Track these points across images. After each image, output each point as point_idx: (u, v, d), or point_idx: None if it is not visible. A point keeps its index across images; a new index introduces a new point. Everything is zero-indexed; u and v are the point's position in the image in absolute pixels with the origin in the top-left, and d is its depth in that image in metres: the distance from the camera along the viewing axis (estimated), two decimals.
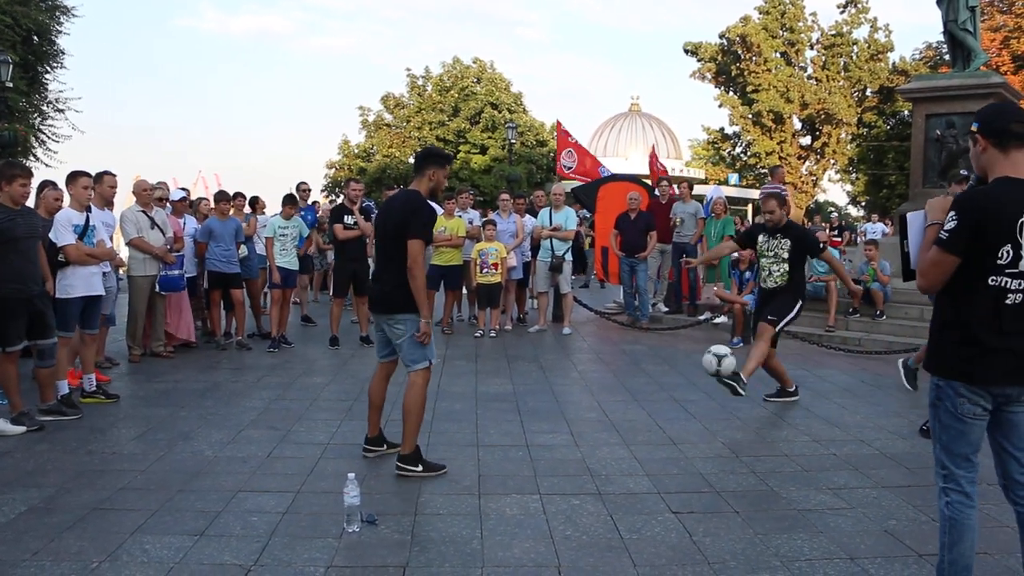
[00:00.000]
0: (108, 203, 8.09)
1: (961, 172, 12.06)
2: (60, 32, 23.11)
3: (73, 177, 7.06)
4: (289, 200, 10.38)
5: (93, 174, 7.39)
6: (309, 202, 13.71)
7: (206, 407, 6.88)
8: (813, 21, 44.53)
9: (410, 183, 5.36)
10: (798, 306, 7.20)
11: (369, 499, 4.51)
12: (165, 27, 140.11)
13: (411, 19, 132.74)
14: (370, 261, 11.26)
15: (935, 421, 3.37)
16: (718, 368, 6.38)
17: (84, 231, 6.98)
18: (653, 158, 17.04)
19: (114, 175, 7.96)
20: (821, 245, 7.28)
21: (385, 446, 5.48)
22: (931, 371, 3.35)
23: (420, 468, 5.07)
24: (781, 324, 7.11)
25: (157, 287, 9.01)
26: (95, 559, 3.80)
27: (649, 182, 14.46)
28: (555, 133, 17.56)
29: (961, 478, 3.31)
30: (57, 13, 22.73)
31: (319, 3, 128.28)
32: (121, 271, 9.09)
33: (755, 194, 46.08)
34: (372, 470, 5.19)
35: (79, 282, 6.81)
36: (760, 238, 7.36)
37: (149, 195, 8.99)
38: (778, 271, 7.18)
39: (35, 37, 22.32)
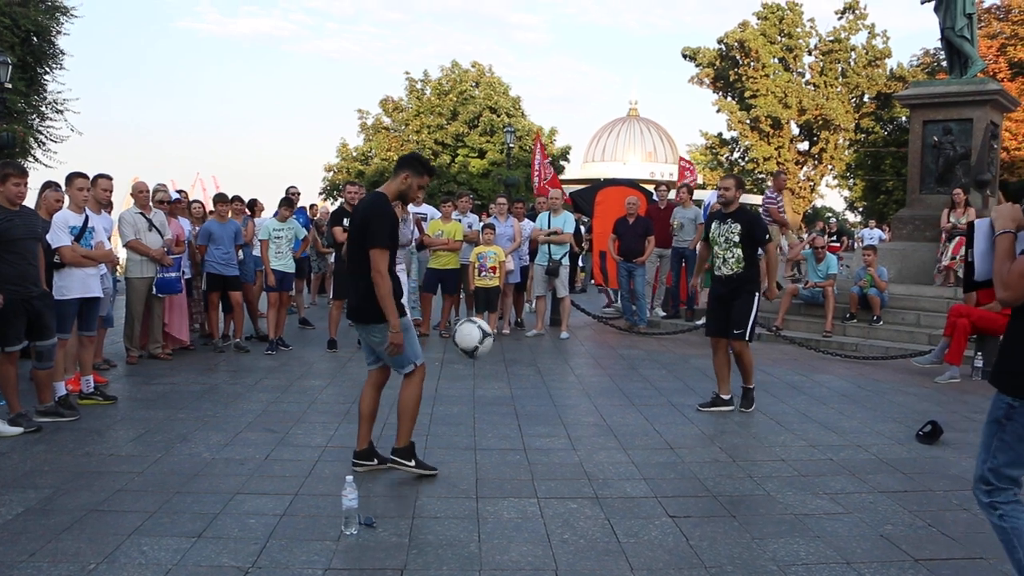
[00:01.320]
0: (105, 206, 8.08)
1: (985, 176, 12.12)
2: (59, 32, 23.07)
3: (70, 179, 7.09)
4: (285, 203, 10.39)
5: (91, 176, 7.40)
6: (302, 205, 13.79)
7: (204, 409, 6.88)
8: (811, 27, 44.74)
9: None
10: (756, 301, 7.07)
11: (367, 502, 4.51)
12: (165, 29, 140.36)
13: (410, 22, 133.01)
14: None
15: (997, 439, 3.20)
16: (477, 346, 5.38)
17: (82, 232, 7.01)
18: (687, 170, 17.26)
19: (110, 178, 7.95)
20: (767, 236, 7.17)
21: (375, 461, 5.21)
22: (1006, 390, 3.16)
23: (412, 463, 5.07)
24: (748, 332, 7.05)
25: (154, 289, 9.01)
26: (92, 561, 3.80)
27: (652, 188, 14.48)
28: (538, 142, 17.77)
29: (1009, 490, 3.22)
30: (57, 14, 22.68)
31: (319, 5, 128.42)
32: (118, 273, 9.09)
33: (753, 199, 46.28)
34: (370, 473, 5.19)
35: (75, 284, 6.83)
36: (712, 226, 7.25)
37: (147, 197, 8.99)
38: (732, 257, 7.02)
39: (34, 38, 22.29)
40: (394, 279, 4.92)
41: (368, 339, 5.11)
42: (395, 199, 5.09)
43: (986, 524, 4.43)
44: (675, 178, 17.48)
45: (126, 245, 8.83)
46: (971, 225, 3.23)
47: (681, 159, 18.61)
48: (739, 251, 7.03)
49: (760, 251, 7.19)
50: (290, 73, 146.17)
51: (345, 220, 10.04)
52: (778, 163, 43.88)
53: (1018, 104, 18.05)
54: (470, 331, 5.42)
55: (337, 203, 18.35)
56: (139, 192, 8.98)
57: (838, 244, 19.95)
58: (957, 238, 11.44)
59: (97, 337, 7.81)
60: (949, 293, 11.29)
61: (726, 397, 7.20)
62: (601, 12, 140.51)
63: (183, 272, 9.59)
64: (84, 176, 7.17)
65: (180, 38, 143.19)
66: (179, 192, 11.31)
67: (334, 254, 10.87)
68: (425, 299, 11.32)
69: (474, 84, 41.48)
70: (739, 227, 7.03)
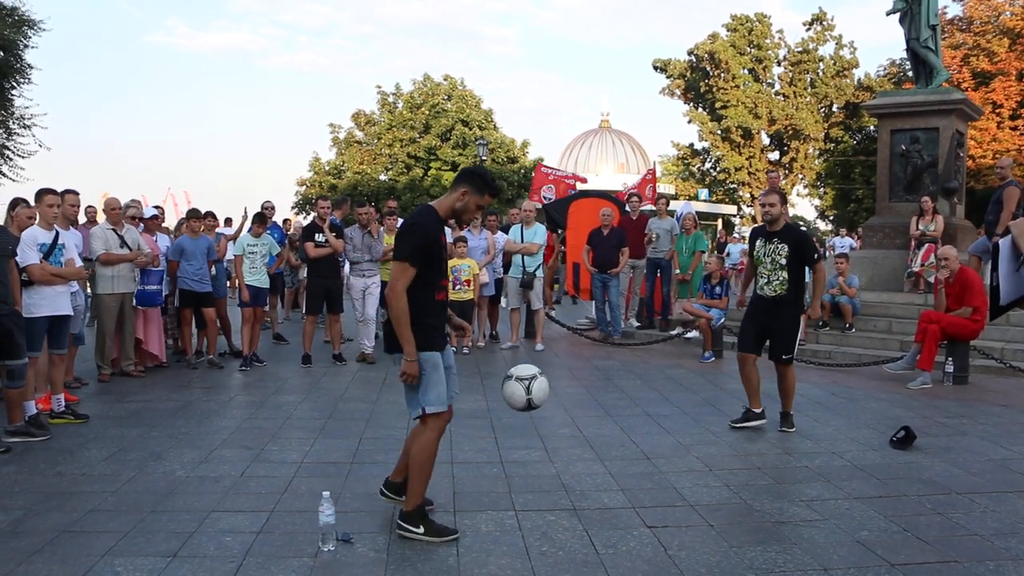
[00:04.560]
0: (72, 222, 7.99)
1: (952, 184, 12.30)
2: (27, 46, 22.78)
3: (40, 195, 7.02)
4: (258, 218, 10.34)
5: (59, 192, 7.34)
6: (275, 220, 13.70)
7: (177, 427, 6.81)
8: (780, 38, 45.33)
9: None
10: (800, 323, 7.00)
11: (344, 517, 4.48)
12: (134, 44, 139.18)
13: (382, 36, 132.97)
14: (344, 278, 11.23)
15: None
16: (528, 397, 4.74)
17: (51, 249, 6.93)
18: (652, 180, 17.29)
19: (76, 193, 7.89)
20: (816, 256, 6.77)
21: (403, 496, 4.54)
22: None
23: (421, 530, 4.30)
24: (795, 353, 6.98)
25: (134, 301, 8.95)
26: None
27: (624, 199, 14.55)
28: (538, 163, 17.60)
29: None
30: (24, 27, 22.39)
31: (290, 20, 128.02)
32: (87, 289, 8.99)
33: (725, 209, 46.65)
34: (347, 488, 5.16)
35: (44, 301, 6.76)
36: (757, 244, 6.90)
37: (119, 214, 8.91)
38: (777, 279, 6.68)
39: (0, 51, 22.00)
40: (435, 303, 4.33)
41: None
42: (448, 216, 4.45)
43: (958, 528, 4.50)
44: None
45: (97, 259, 8.73)
46: (996, 247, 3.02)
47: (650, 171, 18.69)
48: (785, 274, 6.68)
49: (808, 270, 6.86)
50: (261, 87, 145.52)
51: (317, 235, 10.01)
52: (749, 173, 44.29)
53: (982, 113, 18.38)
54: (512, 391, 4.72)
55: (309, 218, 18.24)
56: (111, 208, 8.90)
57: None
58: (926, 245, 11.61)
59: (68, 355, 7.70)
60: (919, 300, 11.44)
61: (758, 411, 6.98)
62: (573, 25, 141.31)
63: (162, 288, 9.54)
64: (54, 192, 7.11)
65: (150, 52, 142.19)
66: (156, 208, 11.23)
67: (307, 269, 10.79)
68: None
69: (446, 97, 41.50)
70: (786, 248, 6.66)
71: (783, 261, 6.67)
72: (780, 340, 6.84)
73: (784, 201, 6.90)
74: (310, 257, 10.11)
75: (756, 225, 7.24)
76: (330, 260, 10.14)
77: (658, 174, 52.27)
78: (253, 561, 4.01)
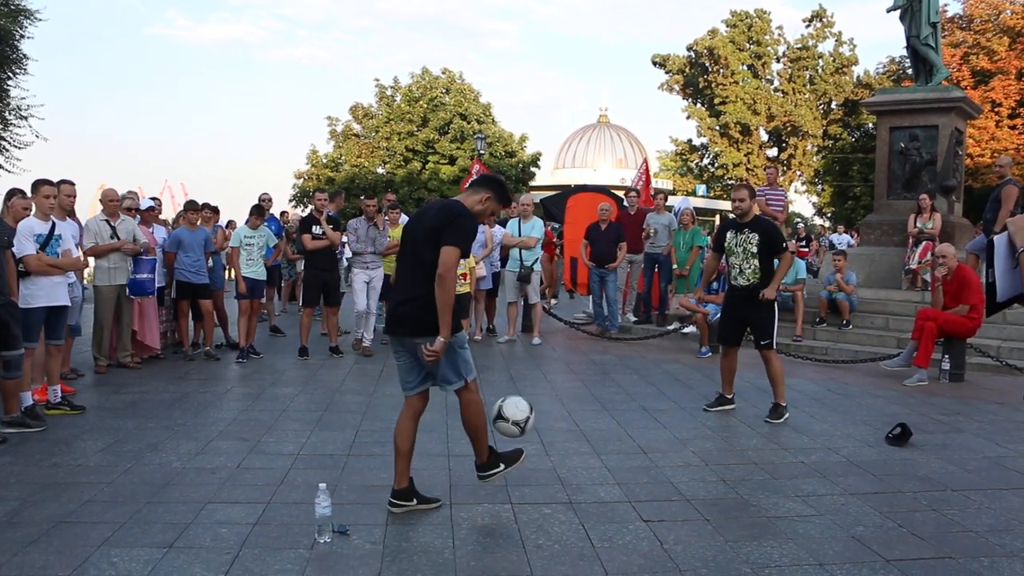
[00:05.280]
0: (69, 212, 7.95)
1: (951, 182, 12.30)
2: (23, 36, 22.65)
3: (36, 186, 6.98)
4: (256, 210, 10.32)
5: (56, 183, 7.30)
6: (273, 213, 13.68)
7: (174, 418, 6.81)
8: (779, 35, 45.28)
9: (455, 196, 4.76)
10: (776, 309, 7.13)
11: (340, 509, 4.48)
12: (134, 35, 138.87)
13: (381, 29, 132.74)
14: (345, 270, 11.20)
15: None
16: (523, 433, 4.84)
17: (48, 240, 6.90)
18: (646, 173, 17.28)
19: (72, 183, 7.81)
20: (784, 246, 7.08)
21: (415, 500, 4.64)
22: None
23: (501, 467, 4.72)
24: (774, 341, 7.10)
25: (127, 291, 8.94)
26: (61, 574, 3.74)
27: (622, 193, 14.56)
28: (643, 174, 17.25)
29: None
30: (20, 17, 22.26)
31: (290, 12, 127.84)
32: (86, 280, 8.97)
33: (723, 205, 46.65)
34: (343, 480, 5.16)
35: (41, 292, 6.72)
36: (728, 235, 7.22)
37: (116, 206, 8.88)
38: (749, 268, 7.01)
39: None
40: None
41: (417, 355, 4.51)
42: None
43: (953, 524, 4.51)
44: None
45: (86, 253, 8.70)
46: (991, 243, 2.99)
47: (644, 160, 18.65)
48: (756, 262, 6.99)
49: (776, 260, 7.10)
50: (260, 79, 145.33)
51: (314, 227, 9.99)
52: (747, 169, 44.29)
53: (981, 111, 18.36)
54: (506, 430, 4.83)
55: (307, 211, 18.22)
56: (108, 200, 8.86)
57: (807, 249, 20.12)
58: (924, 243, 11.61)
59: (65, 346, 7.69)
60: (916, 297, 11.44)
61: (729, 396, 7.43)
62: (573, 20, 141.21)
63: (155, 278, 9.50)
64: (50, 183, 7.06)
65: (149, 44, 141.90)
66: (153, 200, 11.20)
67: (303, 261, 10.76)
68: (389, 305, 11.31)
69: (445, 91, 41.44)
70: (757, 237, 6.98)
71: (754, 250, 7.00)
72: (757, 328, 7.12)
73: (753, 196, 7.30)
74: (307, 249, 10.09)
75: (728, 219, 7.48)
76: (327, 252, 10.12)
77: (656, 169, 52.56)
78: (249, 552, 4.01)
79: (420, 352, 4.45)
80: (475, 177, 11.14)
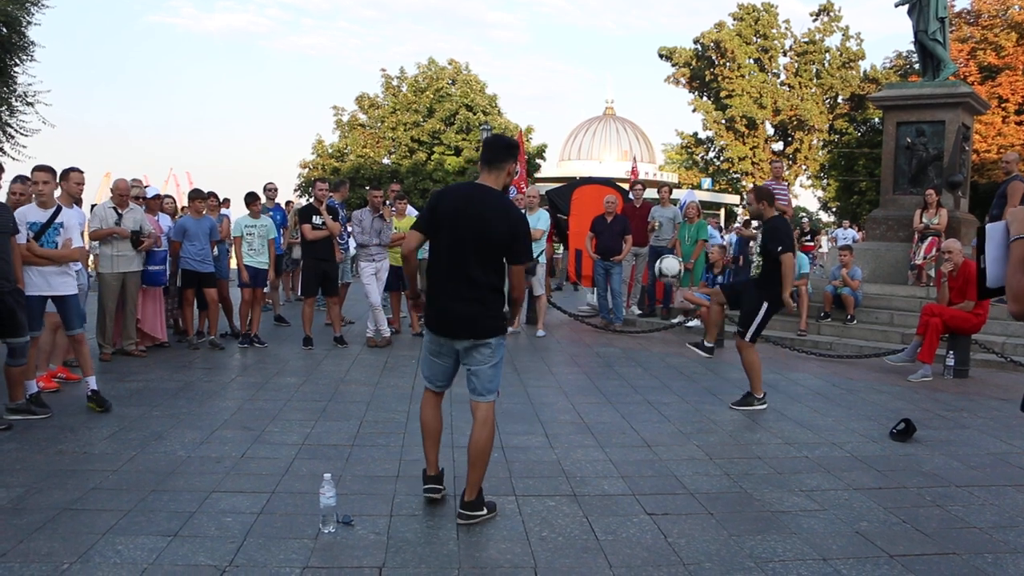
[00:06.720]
0: (76, 200, 7.90)
1: (957, 177, 12.27)
2: (30, 23, 22.61)
3: (32, 172, 6.89)
4: (252, 198, 10.29)
5: (58, 170, 7.18)
6: (278, 202, 13.71)
7: (179, 407, 6.82)
8: (786, 28, 45.16)
9: (478, 177, 4.51)
10: (764, 305, 7.12)
11: (345, 500, 4.49)
12: (139, 23, 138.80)
13: (387, 20, 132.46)
14: (344, 263, 11.15)
15: None
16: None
17: (44, 229, 6.74)
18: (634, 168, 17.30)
19: (81, 171, 7.67)
20: (779, 248, 6.97)
21: (485, 510, 4.47)
22: None
23: (484, 512, 4.41)
24: (750, 332, 7.17)
25: (142, 283, 8.98)
26: (66, 561, 3.75)
27: (627, 186, 14.53)
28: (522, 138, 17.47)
29: None
30: (27, 3, 22.22)
31: (295, 2, 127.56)
32: (90, 268, 8.97)
33: (728, 199, 46.59)
34: (348, 471, 5.17)
35: (37, 280, 6.59)
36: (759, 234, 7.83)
37: (127, 197, 8.86)
38: (754, 263, 7.44)
39: (3, 28, 21.86)
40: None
41: (472, 353, 4.39)
42: None
43: (957, 520, 4.51)
44: (652, 177, 17.46)
45: (91, 236, 8.69)
46: (981, 230, 2.98)
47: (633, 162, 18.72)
48: (761, 259, 7.40)
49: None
50: (266, 69, 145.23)
51: (315, 217, 9.94)
52: (753, 163, 44.22)
53: (988, 107, 18.29)
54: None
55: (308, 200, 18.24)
56: (120, 193, 8.82)
57: (812, 244, 20.09)
58: (929, 238, 11.58)
59: (83, 334, 7.65)
60: (922, 292, 11.42)
61: (710, 345, 8.09)
62: (579, 12, 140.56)
63: (165, 268, 9.54)
64: (45, 170, 6.87)
65: (154, 33, 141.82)
66: (167, 197, 11.25)
67: (301, 250, 10.65)
68: (394, 296, 11.34)
69: (451, 82, 41.35)
70: (761, 236, 7.39)
71: (758, 248, 7.54)
72: (742, 316, 7.35)
73: (761, 197, 7.27)
74: (307, 239, 10.01)
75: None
76: (326, 242, 10.06)
77: (660, 162, 52.46)
78: (253, 542, 4.01)
79: (470, 353, 4.37)
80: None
